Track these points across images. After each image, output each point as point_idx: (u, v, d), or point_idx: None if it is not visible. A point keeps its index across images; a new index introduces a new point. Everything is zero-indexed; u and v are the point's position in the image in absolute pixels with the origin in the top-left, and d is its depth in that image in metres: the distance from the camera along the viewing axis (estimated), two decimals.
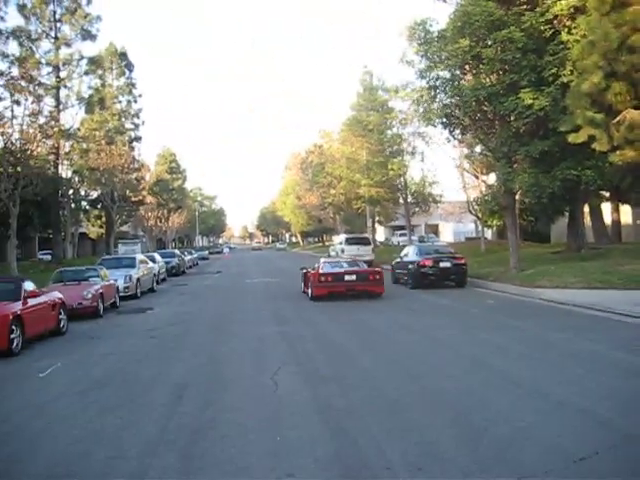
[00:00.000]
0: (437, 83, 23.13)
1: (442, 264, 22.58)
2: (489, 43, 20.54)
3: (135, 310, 18.93)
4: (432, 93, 23.68)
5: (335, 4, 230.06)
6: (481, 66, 21.10)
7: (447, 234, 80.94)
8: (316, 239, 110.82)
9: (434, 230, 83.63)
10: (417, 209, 39.14)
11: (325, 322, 15.08)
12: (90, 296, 16.98)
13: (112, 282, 19.90)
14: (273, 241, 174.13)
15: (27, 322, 12.04)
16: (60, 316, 14.15)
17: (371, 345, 11.64)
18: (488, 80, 20.89)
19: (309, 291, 20.55)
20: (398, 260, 25.61)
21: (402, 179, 37.39)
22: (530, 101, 19.63)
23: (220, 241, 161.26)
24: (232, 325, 14.79)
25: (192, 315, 17.18)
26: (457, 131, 25.28)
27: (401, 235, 68.63)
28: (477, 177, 40.68)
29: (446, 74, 22.38)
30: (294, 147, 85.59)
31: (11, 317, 11.57)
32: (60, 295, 14.58)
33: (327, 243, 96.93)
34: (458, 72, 22.44)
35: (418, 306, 17.97)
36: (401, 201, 44.61)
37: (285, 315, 16.51)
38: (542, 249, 33.45)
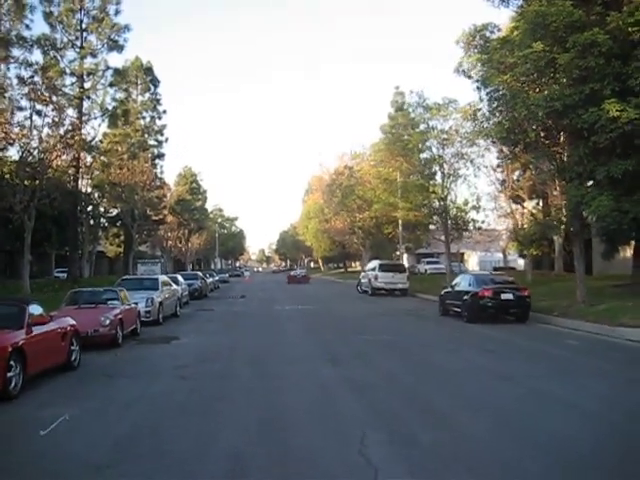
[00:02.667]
0: (499, 94, 20.70)
1: (503, 296, 20.01)
2: (567, 47, 18.07)
3: (159, 340, 16.44)
4: (494, 105, 21.29)
5: (360, 25, 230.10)
6: (556, 74, 18.68)
7: (473, 263, 78.30)
8: (337, 265, 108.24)
9: (459, 259, 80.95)
10: (456, 235, 36.48)
11: (389, 362, 12.54)
12: (108, 322, 14.55)
13: (133, 306, 17.48)
14: (291, 266, 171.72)
15: (30, 356, 9.60)
16: (72, 347, 11.70)
17: (466, 400, 9.07)
18: (564, 90, 18.37)
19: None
20: (448, 290, 23.06)
21: (442, 203, 34.81)
22: (616, 113, 17.08)
23: (237, 264, 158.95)
24: (279, 365, 12.22)
25: (226, 349, 14.66)
26: (517, 149, 22.80)
27: (428, 263, 65.90)
28: (520, 203, 38.15)
29: (513, 84, 19.86)
30: (316, 170, 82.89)
31: (10, 350, 9.14)
32: (72, 321, 12.14)
33: (350, 269, 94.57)
34: (526, 81, 19.94)
35: (491, 345, 15.36)
36: (432, 226, 42.16)
37: (337, 352, 13.97)
38: (596, 282, 30.70)
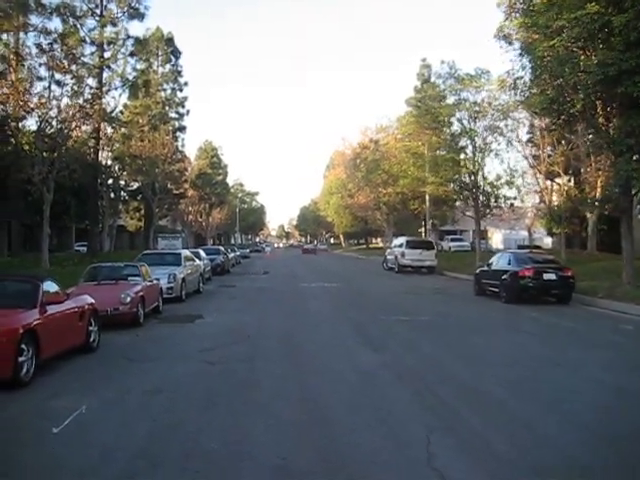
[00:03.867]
0: (545, 61, 19.32)
1: (546, 276, 18.84)
2: (624, 7, 16.64)
3: (182, 318, 15.51)
4: (537, 72, 19.94)
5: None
6: (611, 38, 17.27)
7: (497, 241, 76.79)
8: (357, 241, 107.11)
9: (482, 236, 79.52)
10: (487, 212, 35.15)
11: (431, 347, 11.53)
12: (129, 300, 13.64)
13: (155, 282, 16.57)
14: (311, 241, 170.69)
15: (44, 338, 8.69)
16: (90, 327, 10.79)
17: (529, 390, 8.10)
18: (620, 55, 16.95)
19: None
20: (484, 269, 21.89)
21: (473, 178, 33.44)
22: None
23: (257, 239, 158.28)
24: (312, 348, 11.24)
25: (253, 329, 13.70)
26: (560, 121, 21.43)
27: (452, 240, 64.52)
28: (552, 179, 36.71)
29: (560, 49, 18.45)
30: (339, 145, 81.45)
31: (21, 332, 8.24)
32: (91, 300, 11.22)
33: (371, 245, 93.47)
34: (576, 46, 18.53)
35: (536, 328, 14.30)
36: (460, 202, 40.82)
37: (372, 334, 12.99)
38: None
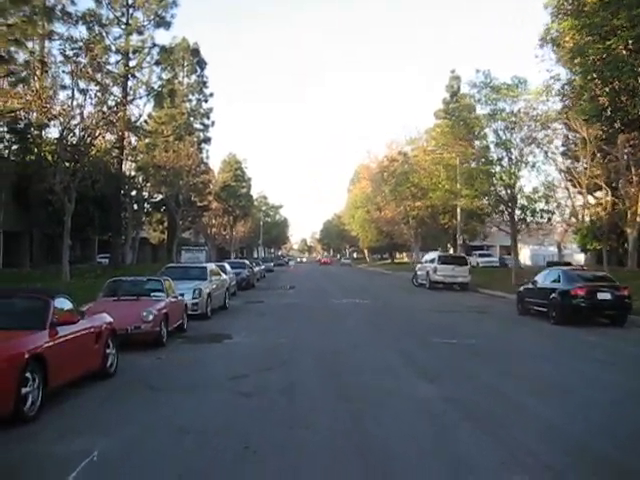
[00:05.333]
0: (598, 64, 17.96)
1: (600, 295, 17.36)
2: None
3: (208, 338, 14.26)
4: (589, 77, 18.57)
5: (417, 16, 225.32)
6: None
7: (524, 257, 74.94)
8: (381, 255, 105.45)
9: (509, 252, 77.75)
10: (524, 226, 33.69)
11: (489, 375, 10.22)
12: (151, 318, 12.42)
13: (180, 298, 15.36)
14: (334, 256, 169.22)
15: (53, 365, 7.47)
16: (107, 350, 9.57)
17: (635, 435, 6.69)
18: None
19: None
20: (529, 287, 20.42)
21: (509, 191, 31.98)
22: None
23: (279, 253, 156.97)
24: (358, 378, 9.84)
25: (288, 351, 12.40)
26: (613, 129, 20.01)
27: (481, 256, 62.77)
28: (591, 193, 35.21)
29: (617, 50, 17.10)
30: (364, 158, 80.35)
31: (27, 358, 7.02)
32: (109, 319, 10.01)
33: (396, 260, 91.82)
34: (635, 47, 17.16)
35: (599, 354, 12.86)
36: (495, 216, 39.36)
37: (421, 360, 11.63)
38: None
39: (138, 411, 7.73)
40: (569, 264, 55.65)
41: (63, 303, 8.77)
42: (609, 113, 18.55)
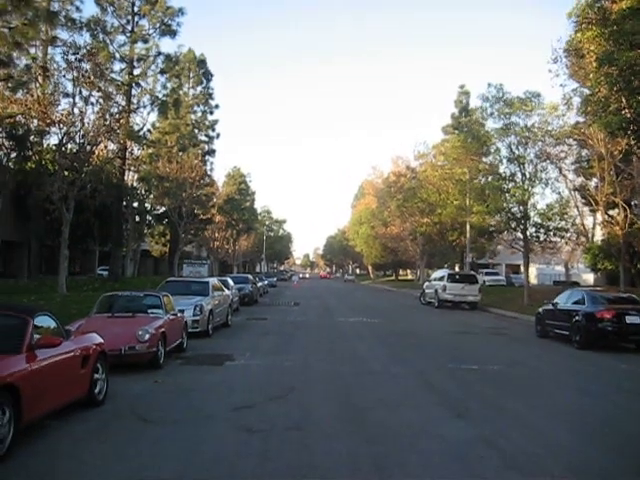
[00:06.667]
0: (626, 72, 16.99)
1: (629, 319, 16.22)
2: None
3: (209, 359, 13.16)
4: (616, 87, 17.57)
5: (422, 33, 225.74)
6: None
7: (530, 276, 73.75)
8: (384, 272, 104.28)
9: (515, 270, 76.70)
10: (538, 244, 32.62)
11: (524, 409, 9.13)
12: (147, 337, 11.33)
13: (179, 316, 14.28)
14: (336, 271, 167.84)
15: (29, 396, 6.39)
16: (96, 375, 8.50)
17: None
18: None
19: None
20: (549, 308, 19.31)
21: (522, 208, 30.91)
22: None
23: (281, 268, 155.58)
24: (376, 409, 8.75)
25: (296, 377, 11.27)
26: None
27: (487, 274, 61.64)
28: (604, 211, 34.12)
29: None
30: (369, 174, 79.67)
31: None
32: (99, 339, 8.94)
33: (400, 277, 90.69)
34: None
35: (635, 384, 11.78)
36: (506, 234, 38.23)
37: (445, 390, 10.50)
38: None
39: (125, 450, 6.62)
40: (577, 283, 54.42)
41: (45, 321, 7.72)
42: (636, 126, 17.52)
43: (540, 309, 20.17)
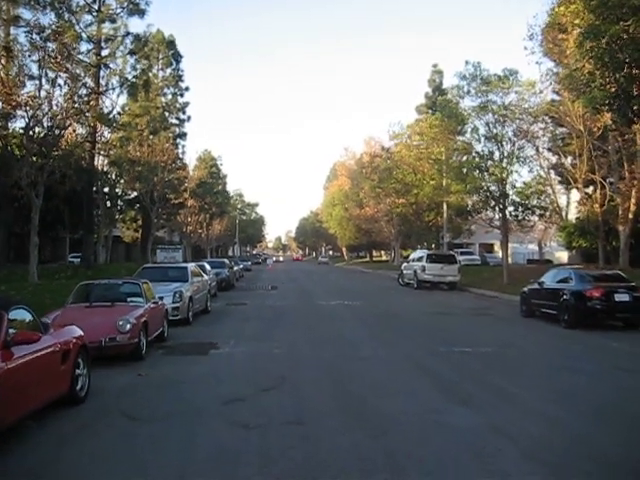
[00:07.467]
0: (613, 47, 16.65)
1: (617, 297, 16.06)
2: None
3: (192, 348, 12.64)
4: (602, 61, 17.24)
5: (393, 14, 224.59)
6: None
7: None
8: (358, 254, 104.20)
9: (488, 249, 77.02)
10: (516, 223, 32.50)
11: (526, 394, 8.77)
12: (128, 327, 10.75)
13: (160, 303, 13.72)
14: (309, 254, 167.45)
15: (3, 397, 5.85)
16: (77, 371, 7.94)
17: None
18: None
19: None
20: (535, 287, 19.09)
21: (500, 186, 30.69)
22: None
23: (254, 252, 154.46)
24: (376, 401, 8.28)
25: (285, 365, 10.81)
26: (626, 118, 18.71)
27: (462, 254, 61.78)
28: (580, 189, 34.11)
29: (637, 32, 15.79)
30: (342, 155, 79.12)
31: None
32: (79, 332, 8.37)
33: (375, 258, 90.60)
34: None
35: (628, 363, 11.55)
36: (488, 213, 38.08)
37: (442, 374, 10.14)
38: None
39: (109, 454, 6.08)
40: (550, 261, 54.56)
41: (20, 315, 7.12)
42: (622, 102, 17.24)
43: (525, 288, 19.94)
